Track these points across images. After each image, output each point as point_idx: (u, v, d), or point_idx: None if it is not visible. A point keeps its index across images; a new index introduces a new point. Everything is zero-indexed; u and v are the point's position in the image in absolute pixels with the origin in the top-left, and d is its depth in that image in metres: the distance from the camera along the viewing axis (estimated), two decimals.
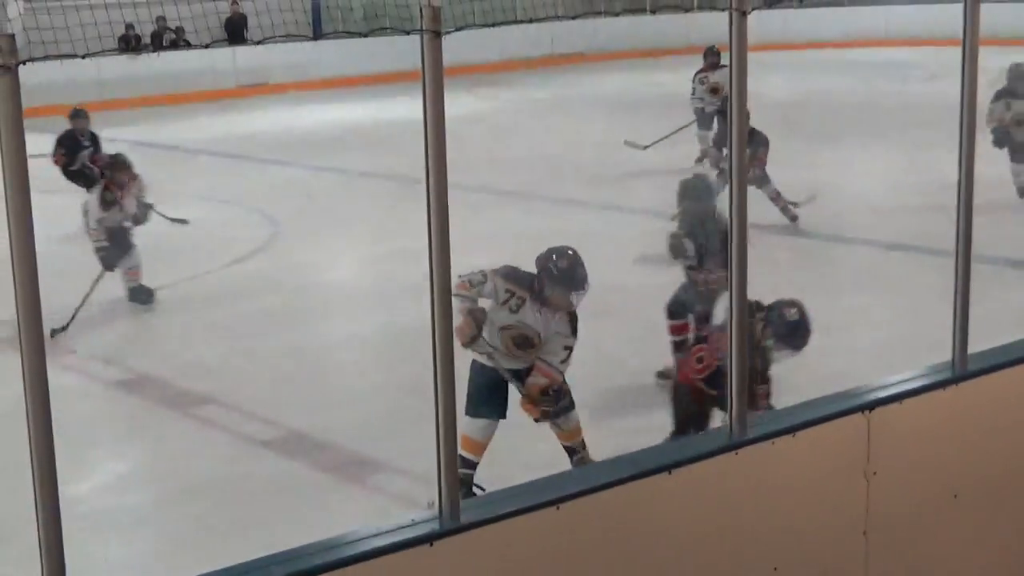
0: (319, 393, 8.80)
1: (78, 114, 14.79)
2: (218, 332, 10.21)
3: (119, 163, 11.44)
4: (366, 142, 20.18)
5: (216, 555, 4.31)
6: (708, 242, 8.13)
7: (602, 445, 6.88)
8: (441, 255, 3.72)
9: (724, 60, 16.16)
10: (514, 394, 6.89)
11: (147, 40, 27.42)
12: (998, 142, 13.74)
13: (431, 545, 3.76)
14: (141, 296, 11.08)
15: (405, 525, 3.81)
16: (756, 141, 12.60)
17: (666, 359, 8.23)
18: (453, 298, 6.60)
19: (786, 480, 4.62)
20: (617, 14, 32.33)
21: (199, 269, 12.11)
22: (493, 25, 6.82)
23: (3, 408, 7.74)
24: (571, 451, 6.93)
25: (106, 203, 11.03)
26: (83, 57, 4.33)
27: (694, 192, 8.66)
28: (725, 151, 13.24)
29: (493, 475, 6.49)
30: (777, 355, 6.72)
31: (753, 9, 4.32)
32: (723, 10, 4.32)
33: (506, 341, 6.75)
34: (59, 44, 5.99)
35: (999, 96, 13.78)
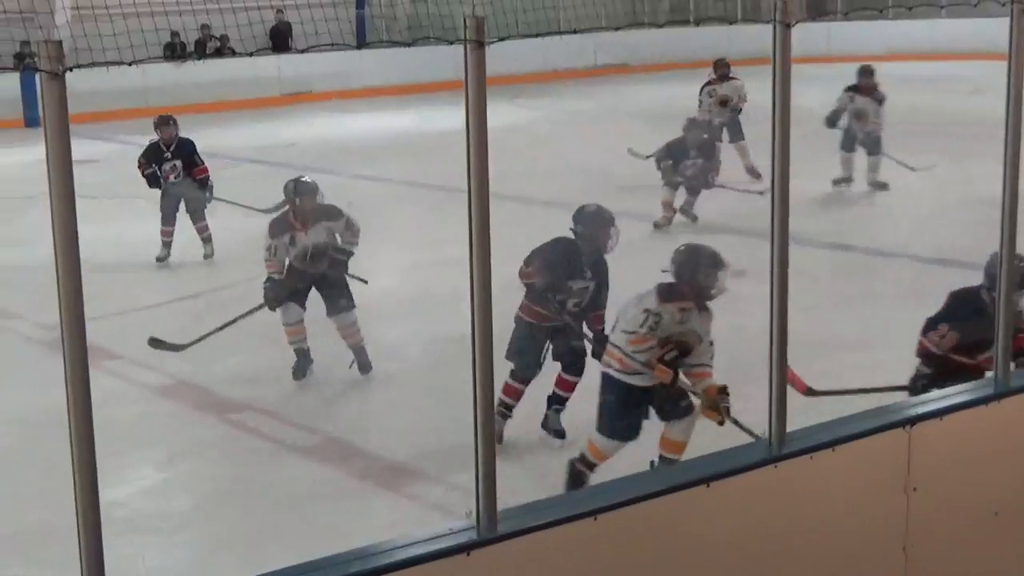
0: (358, 400, 8.82)
1: (161, 122, 13.38)
2: (257, 339, 10.23)
3: (303, 189, 9.43)
4: (408, 151, 20.20)
5: (253, 561, 4.33)
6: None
7: (640, 458, 6.86)
8: (482, 264, 3.72)
9: (733, 72, 16.49)
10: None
11: (192, 48, 27.57)
12: (830, 122, 15.65)
13: (468, 555, 3.76)
14: (361, 362, 9.25)
15: (442, 534, 3.82)
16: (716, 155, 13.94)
17: None
18: (634, 353, 6.56)
19: (825, 495, 4.60)
20: (661, 25, 32.30)
21: (241, 276, 12.13)
22: (536, 36, 6.81)
23: (46, 411, 7.81)
24: (670, 462, 6.78)
25: (276, 231, 9.27)
26: (129, 64, 4.36)
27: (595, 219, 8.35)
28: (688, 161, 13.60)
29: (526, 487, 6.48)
30: None
31: (797, 22, 4.31)
32: (767, 22, 4.31)
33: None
34: (106, 51, 6.04)
35: (848, 89, 15.86)
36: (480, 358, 3.76)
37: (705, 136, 14.17)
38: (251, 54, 27.97)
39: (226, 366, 9.53)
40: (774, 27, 4.27)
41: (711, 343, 6.76)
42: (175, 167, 13.14)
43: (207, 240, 13.35)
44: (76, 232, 3.16)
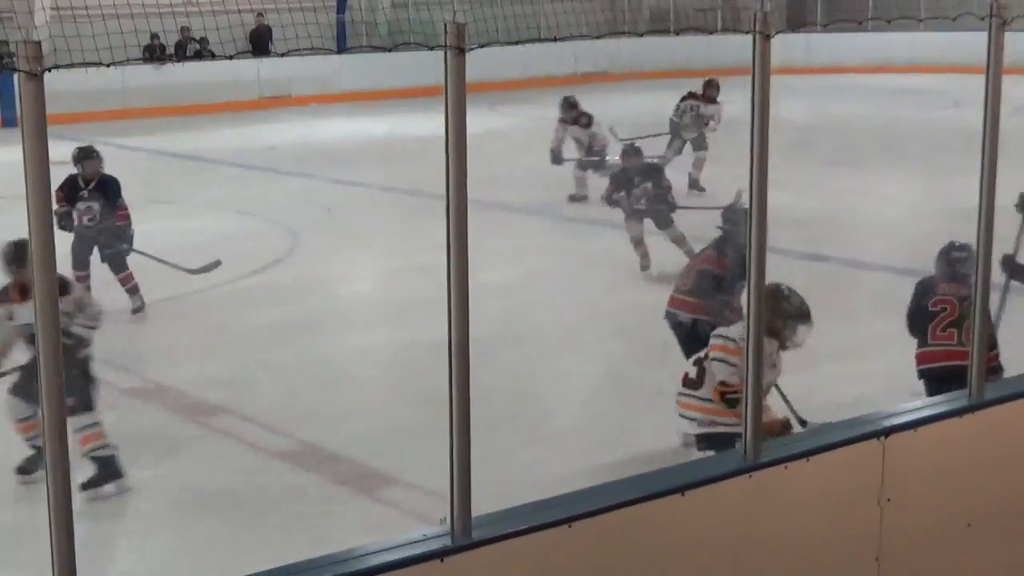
0: (334, 405, 8.81)
1: (82, 155, 11.03)
2: (234, 343, 10.22)
3: (23, 253, 7.14)
4: (387, 156, 20.21)
5: (228, 566, 4.33)
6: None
7: (615, 465, 6.87)
8: (459, 270, 3.72)
9: (719, 97, 16.53)
10: None
11: (171, 50, 27.52)
12: (554, 156, 16.43)
13: (442, 561, 3.75)
14: (99, 469, 7.33)
15: (417, 540, 3.81)
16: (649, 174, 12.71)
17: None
18: (719, 364, 6.33)
19: (799, 505, 4.61)
20: (641, 34, 32.38)
21: (217, 279, 12.12)
22: (517, 43, 6.84)
23: None
24: None
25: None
26: (108, 65, 4.35)
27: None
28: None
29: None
30: None
31: (777, 32, 4.32)
32: (747, 33, 4.32)
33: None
34: (85, 52, 6.02)
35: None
36: (456, 364, 3.76)
37: (646, 161, 13.20)
38: (231, 57, 27.92)
39: (201, 369, 9.51)
40: (754, 38, 4.28)
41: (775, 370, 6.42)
42: (91, 209, 10.94)
43: (133, 292, 11.10)
44: (52, 233, 3.15)
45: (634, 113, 24.62)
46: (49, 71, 3.10)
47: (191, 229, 14.51)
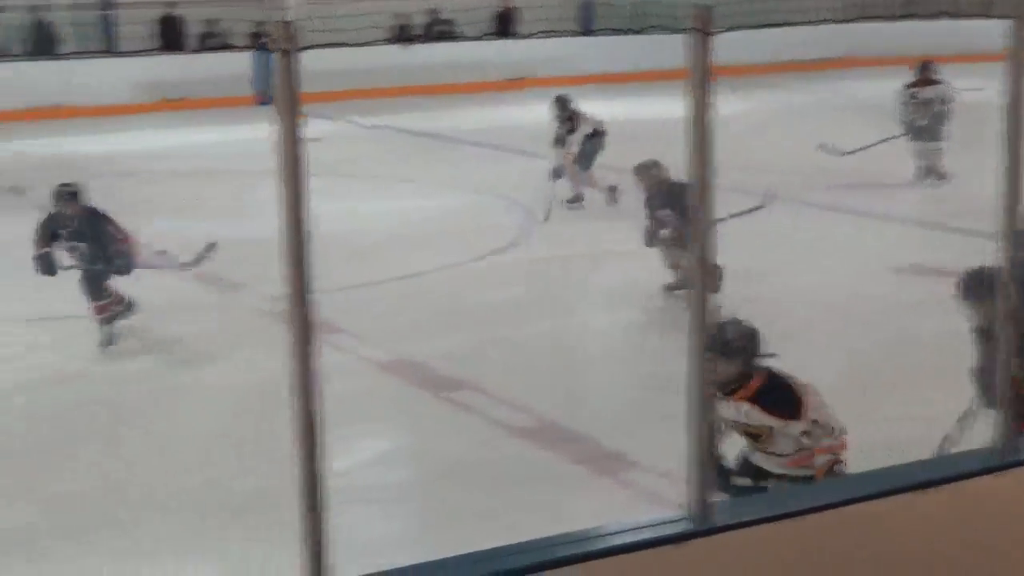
0: (571, 384, 8.86)
1: (59, 196, 9.70)
2: (474, 319, 10.36)
3: None
4: (627, 138, 20.17)
5: (469, 537, 4.39)
6: None
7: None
8: (702, 251, 3.70)
9: (941, 72, 15.98)
10: None
11: (418, 31, 28.01)
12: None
13: (681, 545, 3.74)
14: None
15: (656, 523, 3.81)
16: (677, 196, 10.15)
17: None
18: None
19: None
20: (885, 18, 31.64)
21: (459, 257, 12.31)
22: (763, 26, 6.77)
23: (274, 380, 8.02)
24: None
25: None
26: (362, 46, 4.45)
27: None
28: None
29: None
30: None
31: None
32: (1000, 17, 4.15)
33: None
34: (335, 32, 6.18)
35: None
36: (696, 345, 3.73)
37: (673, 183, 10.61)
38: (477, 38, 28.24)
39: (443, 345, 9.66)
40: (1012, 23, 4.12)
41: (802, 432, 5.61)
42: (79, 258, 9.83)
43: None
44: (304, 206, 3.22)
45: (875, 98, 24.14)
46: (302, 50, 3.18)
47: (429, 206, 14.73)
